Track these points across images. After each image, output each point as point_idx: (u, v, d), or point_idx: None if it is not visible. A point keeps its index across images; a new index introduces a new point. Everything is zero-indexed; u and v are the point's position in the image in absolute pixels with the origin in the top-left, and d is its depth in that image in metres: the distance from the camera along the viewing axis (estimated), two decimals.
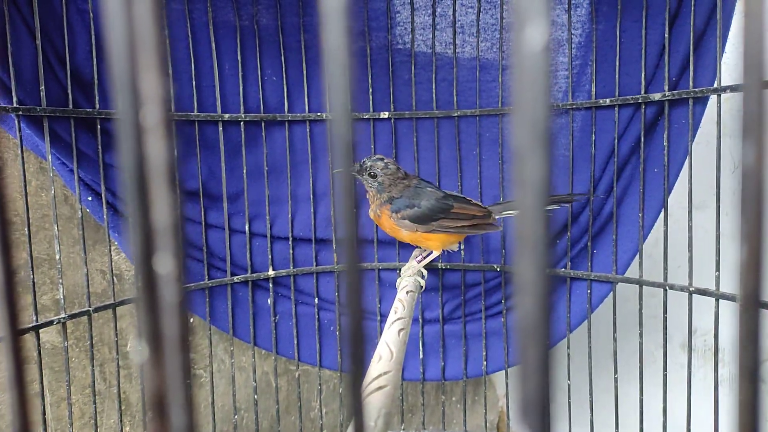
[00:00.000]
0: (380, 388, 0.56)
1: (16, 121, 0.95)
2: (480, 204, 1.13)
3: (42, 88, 0.97)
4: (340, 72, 0.14)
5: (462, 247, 1.33)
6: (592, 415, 1.26)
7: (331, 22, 0.14)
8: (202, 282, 1.24)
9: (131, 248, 0.15)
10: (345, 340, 0.16)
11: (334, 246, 1.34)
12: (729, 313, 1.07)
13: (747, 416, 0.13)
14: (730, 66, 1.36)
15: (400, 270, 1.31)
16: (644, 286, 1.17)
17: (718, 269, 1.05)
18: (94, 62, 1.06)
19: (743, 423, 0.13)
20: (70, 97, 1.02)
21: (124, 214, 0.17)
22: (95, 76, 1.06)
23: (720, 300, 1.05)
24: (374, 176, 1.07)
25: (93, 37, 1.06)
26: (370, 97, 1.31)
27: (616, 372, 1.23)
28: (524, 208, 0.15)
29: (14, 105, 0.95)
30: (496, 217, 1.13)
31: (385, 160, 1.07)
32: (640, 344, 1.18)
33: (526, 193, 0.15)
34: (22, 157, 0.95)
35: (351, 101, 0.14)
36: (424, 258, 1.16)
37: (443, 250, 1.16)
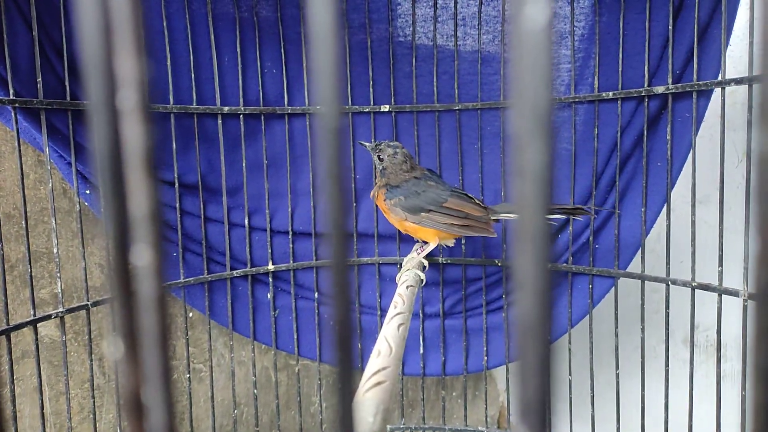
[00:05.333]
0: (379, 383, 0.56)
1: (12, 114, 0.94)
2: (480, 203, 1.11)
3: (39, 80, 0.96)
4: (328, 54, 0.13)
5: (463, 241, 1.32)
6: (593, 411, 1.25)
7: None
8: (201, 276, 1.23)
9: (106, 239, 0.14)
10: (329, 337, 0.15)
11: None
12: (732, 308, 1.06)
13: (763, 419, 0.12)
14: (734, 59, 1.35)
15: (400, 264, 1.30)
16: (646, 281, 1.16)
17: (721, 264, 1.04)
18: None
19: (759, 427, 0.12)
20: (68, 89, 1.01)
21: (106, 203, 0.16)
22: None
23: (723, 295, 1.04)
24: (381, 159, 1.11)
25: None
26: (371, 91, 1.29)
27: (617, 367, 1.23)
28: (523, 199, 0.14)
29: (11, 97, 0.94)
30: (497, 218, 1.11)
31: (397, 150, 1.11)
32: (642, 339, 1.17)
33: (526, 182, 0.14)
34: (19, 150, 0.95)
35: (339, 85, 0.13)
36: (423, 250, 1.15)
37: (441, 245, 1.16)
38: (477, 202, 1.11)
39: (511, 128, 0.14)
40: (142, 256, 0.14)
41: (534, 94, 0.13)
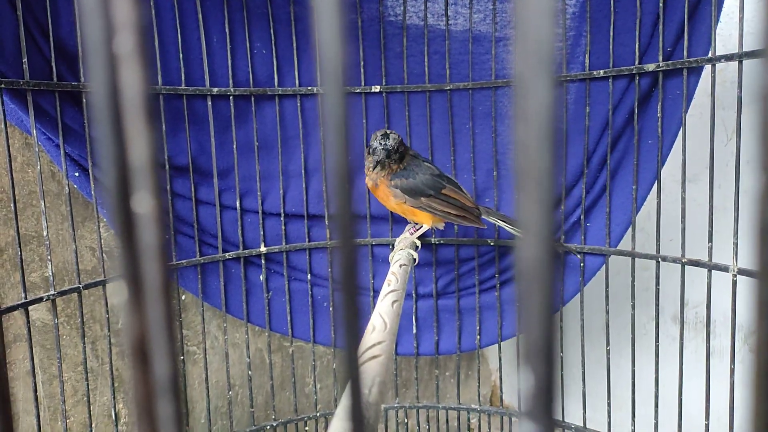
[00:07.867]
0: (374, 357, 0.56)
1: None
2: (471, 199, 1.12)
3: (24, 60, 0.95)
4: (333, 42, 0.13)
5: None
6: (584, 387, 1.27)
7: None
8: (194, 258, 1.23)
9: (106, 187, 0.14)
10: (339, 312, 0.15)
11: (326, 222, 1.33)
12: (721, 285, 1.07)
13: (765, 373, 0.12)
14: (724, 37, 1.35)
15: (392, 245, 1.30)
16: (637, 259, 1.17)
17: (710, 240, 1.05)
18: (79, 34, 1.03)
19: (761, 386, 0.12)
20: (54, 70, 1.00)
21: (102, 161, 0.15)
22: (80, 49, 1.03)
23: (713, 271, 1.05)
24: (395, 150, 1.04)
25: (77, 7, 1.03)
26: (362, 71, 1.29)
27: (608, 344, 1.24)
28: (527, 140, 0.14)
29: None
30: (484, 218, 1.12)
31: (390, 133, 1.05)
32: (633, 316, 1.19)
33: (530, 124, 0.14)
34: (6, 133, 0.93)
35: (344, 74, 0.13)
36: (416, 230, 1.15)
37: (432, 227, 1.16)
38: (468, 195, 1.12)
39: (514, 70, 0.14)
40: (143, 203, 0.14)
41: (537, 34, 0.13)
